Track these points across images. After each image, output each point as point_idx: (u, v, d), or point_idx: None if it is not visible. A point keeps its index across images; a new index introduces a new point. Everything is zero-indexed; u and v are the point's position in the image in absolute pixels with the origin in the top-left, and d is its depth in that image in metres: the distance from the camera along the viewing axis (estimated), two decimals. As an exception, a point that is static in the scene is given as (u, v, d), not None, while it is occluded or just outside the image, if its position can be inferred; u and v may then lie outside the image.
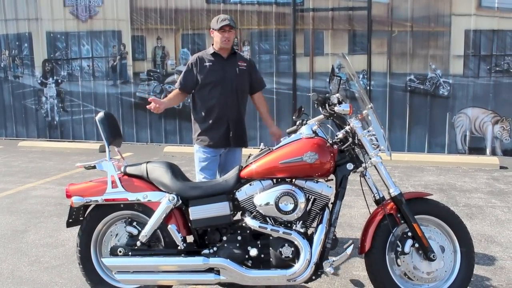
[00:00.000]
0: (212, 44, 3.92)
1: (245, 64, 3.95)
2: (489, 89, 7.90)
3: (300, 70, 8.58)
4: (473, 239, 4.17)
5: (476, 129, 8.08)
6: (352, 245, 2.88)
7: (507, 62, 7.83)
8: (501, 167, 7.09)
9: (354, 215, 4.94)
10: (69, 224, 3.12)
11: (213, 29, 3.82)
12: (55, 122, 10.24)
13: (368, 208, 3.08)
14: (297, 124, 3.12)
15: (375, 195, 3.03)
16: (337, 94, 2.88)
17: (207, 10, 8.94)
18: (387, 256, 2.94)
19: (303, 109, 3.13)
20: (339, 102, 2.87)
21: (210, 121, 3.84)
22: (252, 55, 8.72)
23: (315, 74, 8.53)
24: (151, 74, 9.44)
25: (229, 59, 3.90)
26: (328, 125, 3.16)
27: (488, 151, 8.03)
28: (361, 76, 8.31)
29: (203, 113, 3.87)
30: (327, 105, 2.93)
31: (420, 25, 8.07)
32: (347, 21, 8.37)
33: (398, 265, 2.96)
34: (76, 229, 3.14)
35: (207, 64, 3.84)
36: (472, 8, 7.83)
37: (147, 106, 3.67)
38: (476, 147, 8.07)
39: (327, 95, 2.94)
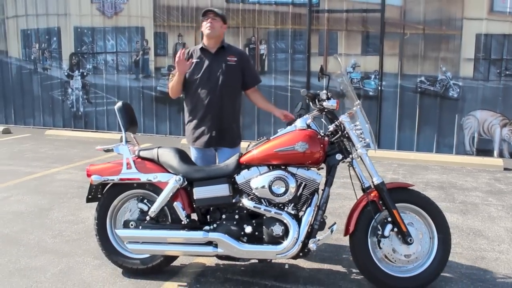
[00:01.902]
0: (202, 39, 3.84)
1: (235, 59, 3.76)
2: (498, 92, 8.08)
3: (314, 69, 8.87)
4: (462, 232, 4.50)
5: (484, 131, 8.26)
6: (335, 225, 3.23)
7: (517, 67, 8.00)
8: (505, 169, 7.28)
9: (354, 206, 5.24)
10: (88, 200, 3.54)
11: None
12: (80, 113, 10.77)
13: (355, 194, 3.39)
14: (295, 117, 3.45)
15: (363, 184, 3.34)
16: (324, 91, 3.22)
17: (227, 9, 9.30)
18: (369, 240, 3.26)
19: (301, 105, 3.47)
20: (328, 98, 3.20)
21: (194, 120, 3.78)
22: (268, 54, 9.08)
23: (331, 74, 8.81)
24: (172, 69, 9.82)
25: (217, 54, 3.75)
26: (322, 119, 3.49)
27: (495, 153, 8.21)
28: (372, 76, 8.59)
29: (188, 112, 3.84)
30: (317, 100, 3.26)
31: (432, 28, 8.29)
32: (360, 23, 8.64)
33: (380, 248, 3.27)
34: (94, 208, 3.56)
35: (195, 60, 3.74)
36: (484, 13, 8.01)
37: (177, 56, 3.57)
38: (484, 149, 8.25)
39: (317, 91, 3.28)
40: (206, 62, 3.74)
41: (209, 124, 3.74)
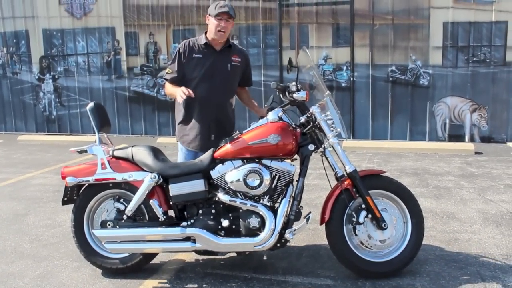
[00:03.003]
0: (205, 32, 3.59)
1: (240, 60, 3.64)
2: (467, 78, 8.29)
3: (287, 62, 8.90)
4: (436, 216, 4.62)
5: (455, 117, 8.46)
6: (311, 214, 3.29)
7: (484, 53, 8.20)
8: (476, 153, 7.48)
9: (330, 196, 5.32)
10: (64, 202, 3.52)
11: (209, 14, 3.49)
12: (52, 117, 10.61)
13: (329, 183, 3.46)
14: (266, 110, 3.49)
15: (336, 173, 3.40)
16: (294, 83, 3.27)
17: (197, 6, 9.29)
18: (344, 227, 3.32)
19: (273, 98, 3.51)
20: (298, 90, 3.26)
21: (192, 122, 3.61)
22: (240, 49, 9.09)
23: (301, 67, 8.88)
24: (144, 68, 9.81)
25: (222, 53, 3.58)
26: (297, 112, 3.53)
27: (467, 138, 8.42)
28: (344, 67, 8.70)
29: (183, 111, 3.62)
30: (287, 93, 3.31)
31: (400, 18, 8.44)
32: (330, 15, 8.73)
33: (356, 235, 3.34)
34: (70, 211, 3.53)
35: (196, 55, 3.53)
36: (450, 1, 8.20)
37: (187, 96, 3.30)
38: (456, 135, 8.46)
39: (287, 83, 3.32)
40: (210, 60, 3.54)
41: (208, 127, 3.59)
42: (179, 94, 3.32)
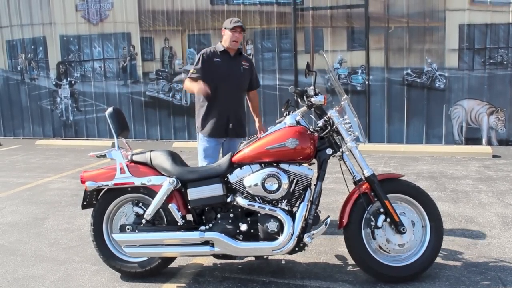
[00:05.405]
0: (221, 41, 4.26)
1: (248, 64, 4.35)
2: (484, 81, 8.21)
3: (301, 66, 8.92)
4: (454, 220, 4.58)
5: (472, 120, 8.38)
6: (329, 218, 3.28)
7: (501, 55, 8.12)
8: (494, 156, 7.39)
9: (347, 200, 5.29)
10: (83, 206, 3.56)
11: (225, 28, 4.17)
12: (69, 122, 10.74)
13: (347, 187, 3.45)
14: (284, 115, 3.50)
15: (354, 177, 3.39)
16: (312, 87, 3.27)
17: (212, 11, 9.35)
18: (363, 231, 3.31)
19: (290, 102, 3.52)
20: (316, 94, 3.26)
21: (213, 114, 4.18)
22: (255, 54, 9.13)
23: (318, 71, 8.88)
24: (160, 73, 9.89)
25: (235, 58, 4.26)
26: (311, 115, 3.55)
27: (484, 141, 8.32)
28: (359, 71, 8.67)
29: (207, 106, 4.21)
30: (305, 97, 3.32)
31: (415, 21, 8.39)
32: (345, 19, 8.72)
33: (374, 239, 3.33)
34: (89, 215, 3.58)
35: (216, 60, 4.17)
36: (466, 3, 8.14)
37: (208, 93, 4.01)
38: (473, 138, 8.38)
39: (305, 88, 3.33)
40: (227, 64, 4.20)
41: (227, 117, 4.20)
42: (203, 89, 4.00)
